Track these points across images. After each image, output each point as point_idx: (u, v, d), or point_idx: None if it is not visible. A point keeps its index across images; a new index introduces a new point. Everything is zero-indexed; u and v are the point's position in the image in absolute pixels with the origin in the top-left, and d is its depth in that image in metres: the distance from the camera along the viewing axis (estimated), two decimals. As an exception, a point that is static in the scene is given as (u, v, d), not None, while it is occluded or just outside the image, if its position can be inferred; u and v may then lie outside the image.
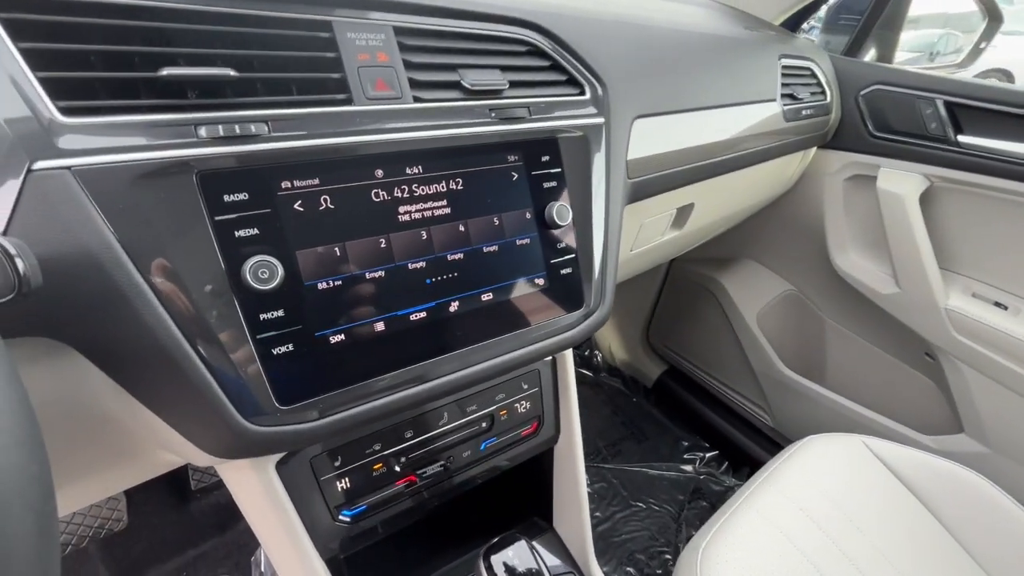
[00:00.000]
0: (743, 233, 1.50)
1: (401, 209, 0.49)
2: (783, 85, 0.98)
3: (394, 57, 0.50)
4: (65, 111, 0.36)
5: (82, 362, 0.41)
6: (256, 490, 0.53)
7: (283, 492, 0.53)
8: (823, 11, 1.28)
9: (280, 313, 0.43)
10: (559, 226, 0.58)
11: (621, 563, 1.40)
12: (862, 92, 1.11)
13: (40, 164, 0.35)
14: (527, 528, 0.80)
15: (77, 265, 0.36)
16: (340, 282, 0.46)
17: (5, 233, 0.34)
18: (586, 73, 0.64)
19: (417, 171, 0.50)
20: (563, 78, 0.62)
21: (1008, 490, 0.91)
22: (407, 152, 0.49)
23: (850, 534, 0.88)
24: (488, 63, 0.56)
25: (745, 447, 1.62)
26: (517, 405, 0.69)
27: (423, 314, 0.51)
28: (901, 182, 1.08)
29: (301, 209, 0.44)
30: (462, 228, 0.53)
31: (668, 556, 1.43)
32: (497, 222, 0.55)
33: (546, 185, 0.58)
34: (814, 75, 1.09)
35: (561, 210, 0.57)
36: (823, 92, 1.10)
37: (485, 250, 0.54)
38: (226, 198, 0.41)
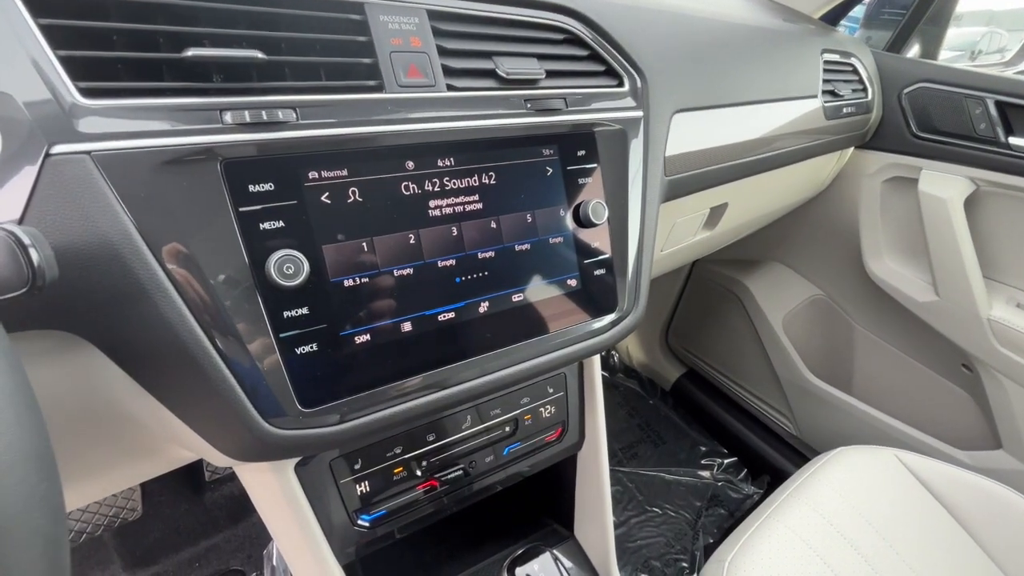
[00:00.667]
0: (771, 235, 1.45)
1: (431, 204, 0.47)
2: (824, 81, 0.94)
3: (428, 42, 0.47)
4: (86, 92, 0.34)
5: (99, 357, 0.40)
6: (274, 492, 0.51)
7: (301, 495, 0.51)
8: (860, 7, 1.22)
9: (304, 311, 0.41)
10: (594, 224, 0.55)
11: (636, 569, 1.37)
12: (906, 90, 1.06)
13: (59, 148, 0.33)
14: (546, 535, 0.78)
15: (95, 256, 0.34)
16: (367, 279, 0.44)
17: (20, 222, 0.32)
18: (625, 64, 0.61)
19: (449, 163, 0.48)
20: (601, 68, 0.59)
21: (1052, 512, 0.86)
22: (439, 143, 0.47)
23: (883, 552, 0.85)
24: (524, 51, 0.53)
25: (766, 455, 1.58)
26: (542, 410, 0.67)
27: (451, 315, 0.48)
28: (945, 185, 1.03)
29: (328, 201, 0.42)
30: (494, 225, 0.50)
31: (684, 564, 1.40)
32: (530, 219, 0.52)
33: (581, 181, 0.56)
34: (856, 71, 1.04)
35: (596, 208, 0.54)
36: (864, 89, 1.05)
37: (517, 249, 0.52)
38: (251, 188, 0.39)
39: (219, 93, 0.38)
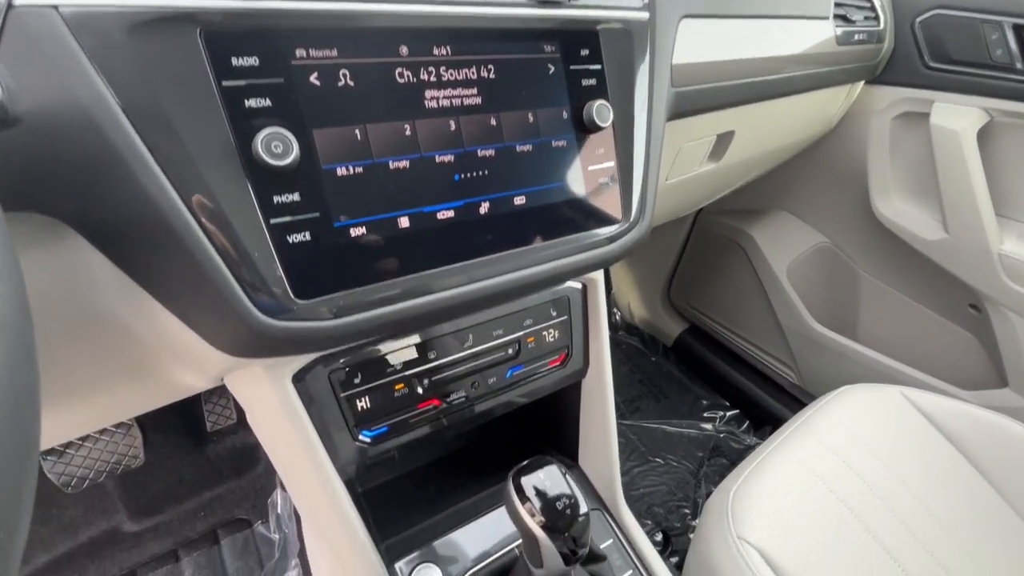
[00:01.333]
0: (775, 182, 1.42)
1: (428, 94, 0.44)
2: (836, 5, 0.90)
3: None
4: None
5: (83, 248, 0.38)
6: (272, 405, 0.50)
7: (300, 406, 0.50)
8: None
9: (296, 197, 0.39)
10: (598, 128, 0.52)
11: (640, 515, 1.38)
12: (919, 18, 1.02)
13: (21, 0, 0.30)
14: None
15: (67, 121, 0.32)
16: (361, 169, 0.42)
17: None
18: (630, -39, 0.57)
19: (445, 52, 0.45)
20: (605, -36, 0.56)
21: (1059, 443, 0.86)
22: (435, 29, 0.44)
23: (889, 483, 0.84)
24: (525, -60, 0.50)
25: (768, 405, 1.58)
26: (545, 333, 0.65)
27: (451, 213, 0.46)
28: (958, 117, 1.00)
29: (318, 83, 0.39)
30: (493, 122, 0.48)
31: (687, 510, 1.41)
32: (532, 119, 0.50)
33: (585, 83, 0.53)
34: (868, -2, 1.00)
35: (601, 110, 0.52)
36: (876, 18, 1.01)
37: (518, 149, 0.49)
38: (234, 62, 0.36)
39: (196, -46, 0.35)
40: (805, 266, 1.44)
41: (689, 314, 1.83)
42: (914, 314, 1.28)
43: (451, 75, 0.45)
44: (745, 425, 1.64)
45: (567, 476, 0.50)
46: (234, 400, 1.25)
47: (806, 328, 1.42)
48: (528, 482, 0.49)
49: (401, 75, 0.43)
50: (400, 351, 0.55)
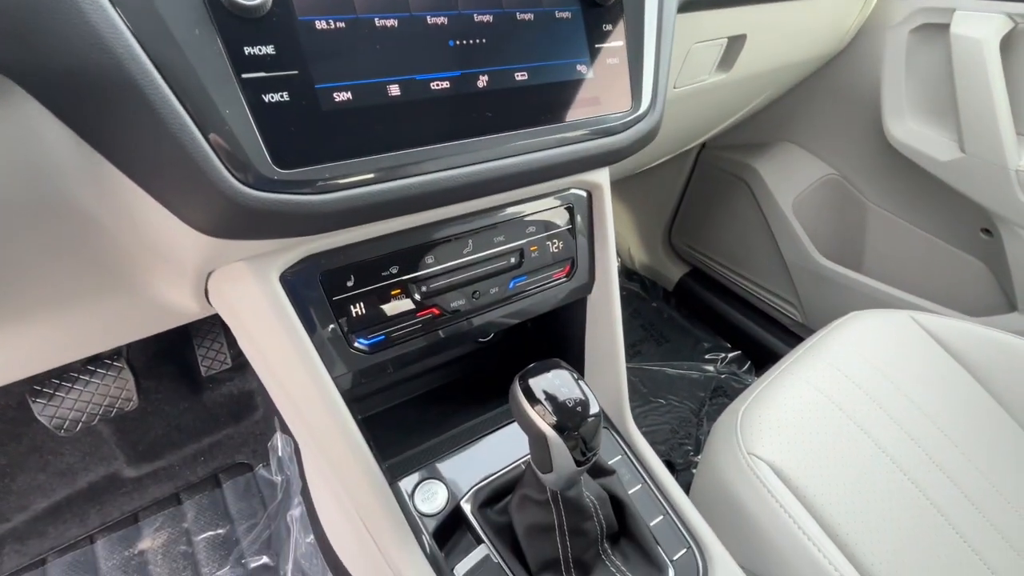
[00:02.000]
0: (781, 112, 1.37)
1: (415, -57, 0.39)
2: None
3: None
4: None
5: (32, 110, 0.33)
6: (259, 307, 0.46)
7: (289, 306, 0.46)
8: None
9: (270, 50, 0.34)
10: (605, 1, 0.47)
11: (642, 453, 1.38)
12: (943, -83, 0.95)
13: None
14: None
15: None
16: (343, 24, 0.37)
17: None
18: None
19: None
20: None
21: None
22: None
23: (899, 402, 0.83)
24: None
25: (771, 345, 1.57)
26: (549, 243, 0.62)
27: (446, 83, 0.41)
28: (980, 25, 0.94)
29: (287, -82, 0.34)
30: (490, -18, 0.43)
31: (689, 447, 1.41)
32: (532, -17, 0.45)
33: (590, -52, 0.48)
34: None
35: (608, -22, 0.47)
36: (897, -83, 0.94)
37: (519, 17, 0.44)
38: None
39: None
40: (811, 199, 1.40)
41: (690, 257, 1.80)
42: (923, 243, 1.25)
43: (441, -76, 0.40)
44: (747, 365, 1.63)
45: (579, 382, 0.47)
46: (228, 343, 1.22)
47: (812, 263, 1.39)
48: (537, 383, 0.46)
49: (384, -82, 0.38)
50: (393, 254, 0.51)
